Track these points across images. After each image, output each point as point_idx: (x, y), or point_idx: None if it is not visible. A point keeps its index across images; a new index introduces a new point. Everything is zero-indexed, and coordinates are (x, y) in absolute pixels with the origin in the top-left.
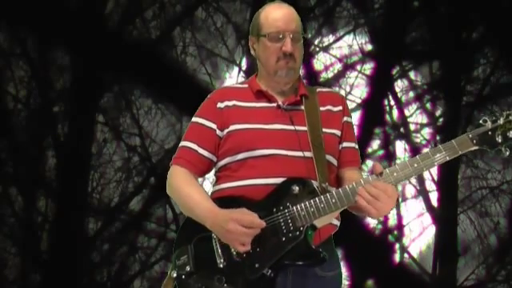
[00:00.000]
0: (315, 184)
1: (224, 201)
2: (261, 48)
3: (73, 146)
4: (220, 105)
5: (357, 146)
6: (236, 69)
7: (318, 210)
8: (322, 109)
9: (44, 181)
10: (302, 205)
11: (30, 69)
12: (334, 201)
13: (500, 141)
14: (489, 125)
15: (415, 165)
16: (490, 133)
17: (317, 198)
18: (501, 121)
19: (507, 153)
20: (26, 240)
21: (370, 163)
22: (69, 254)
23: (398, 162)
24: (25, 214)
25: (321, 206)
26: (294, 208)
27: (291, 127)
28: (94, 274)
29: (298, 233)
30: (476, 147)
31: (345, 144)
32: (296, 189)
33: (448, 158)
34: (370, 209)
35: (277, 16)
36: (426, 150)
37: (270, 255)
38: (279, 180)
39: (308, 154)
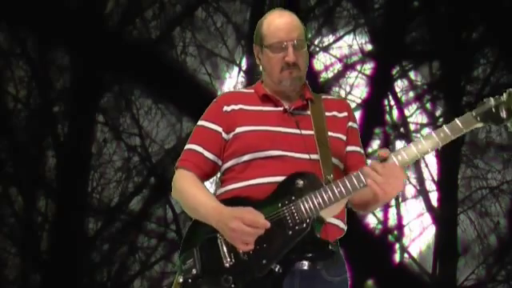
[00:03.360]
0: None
1: (230, 202)
2: (265, 58)
3: (73, 145)
4: (226, 108)
5: (362, 151)
6: (236, 69)
7: (323, 201)
8: (327, 114)
9: (44, 181)
10: (307, 197)
11: (30, 69)
12: (339, 190)
13: (505, 116)
14: (492, 102)
15: (419, 146)
16: (493, 109)
17: (321, 189)
18: (504, 97)
19: None
20: (26, 240)
21: (369, 163)
22: (69, 254)
23: None
24: (25, 213)
25: (326, 196)
26: (299, 200)
27: (297, 131)
28: (94, 274)
29: (304, 225)
30: (480, 124)
31: (349, 148)
32: (300, 182)
33: (453, 137)
34: (378, 191)
35: (278, 25)
36: (429, 131)
37: (277, 250)
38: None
39: (314, 156)
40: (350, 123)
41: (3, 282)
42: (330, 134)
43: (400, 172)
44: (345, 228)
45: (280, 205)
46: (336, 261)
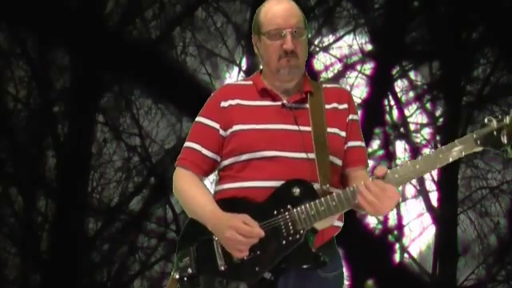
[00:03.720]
0: (316, 186)
1: (227, 202)
2: (262, 46)
3: (73, 145)
4: (223, 104)
5: (363, 145)
6: (236, 69)
7: (318, 213)
8: (327, 106)
9: (44, 181)
10: (303, 207)
11: (30, 69)
12: (334, 204)
13: (505, 141)
14: (494, 124)
15: (417, 166)
16: (495, 133)
17: (317, 201)
18: (507, 120)
19: None
20: (26, 240)
21: (370, 163)
22: (69, 253)
23: (398, 162)
24: (25, 214)
25: (321, 208)
26: (295, 210)
27: (295, 127)
28: (94, 274)
29: (298, 236)
30: (480, 148)
31: (350, 143)
32: (297, 191)
33: (451, 160)
34: (370, 209)
35: (276, 12)
36: (427, 152)
37: (271, 259)
38: (281, 183)
39: (311, 155)
40: (351, 116)
41: (3, 282)
42: (328, 130)
43: (394, 192)
44: (340, 225)
45: (275, 212)
46: (331, 257)
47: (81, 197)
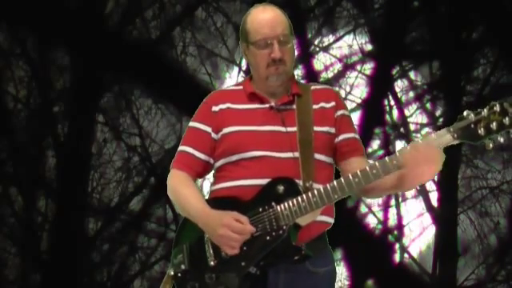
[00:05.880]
0: (299, 183)
1: (218, 201)
2: (251, 55)
3: (73, 146)
4: (214, 108)
5: (357, 136)
6: (236, 69)
7: (299, 209)
8: (315, 107)
9: (44, 181)
10: (286, 204)
11: (30, 69)
12: (315, 200)
13: (483, 134)
14: (472, 117)
15: (394, 162)
16: (472, 126)
17: (299, 197)
18: (484, 112)
19: (491, 145)
20: (26, 240)
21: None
22: (69, 254)
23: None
24: (25, 213)
25: (302, 204)
26: (278, 207)
27: (282, 128)
28: (94, 274)
29: (281, 232)
30: (457, 141)
31: (342, 136)
32: (281, 188)
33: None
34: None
35: (262, 22)
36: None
37: (256, 254)
38: (267, 181)
39: (297, 154)
40: (339, 112)
41: (3, 282)
42: (315, 128)
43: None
44: (331, 221)
45: (260, 209)
46: (321, 252)
47: (81, 197)
